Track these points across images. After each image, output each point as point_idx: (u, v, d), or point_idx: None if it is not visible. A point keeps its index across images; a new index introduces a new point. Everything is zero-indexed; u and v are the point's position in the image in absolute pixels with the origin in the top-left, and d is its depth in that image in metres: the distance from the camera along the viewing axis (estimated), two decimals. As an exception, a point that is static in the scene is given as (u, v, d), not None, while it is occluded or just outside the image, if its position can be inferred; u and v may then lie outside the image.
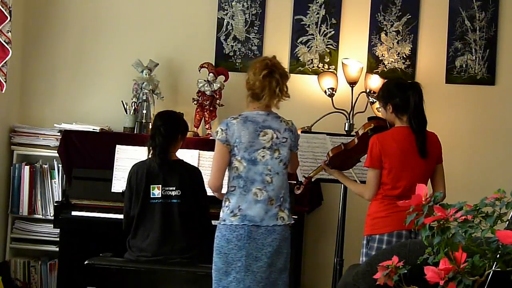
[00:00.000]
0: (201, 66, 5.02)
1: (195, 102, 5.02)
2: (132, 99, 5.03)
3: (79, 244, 4.60)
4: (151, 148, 4.15)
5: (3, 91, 4.75)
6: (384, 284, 2.08)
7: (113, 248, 4.31)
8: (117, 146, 4.70)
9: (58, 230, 4.77)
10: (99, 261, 4.13)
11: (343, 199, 4.53)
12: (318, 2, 5.22)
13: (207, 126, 5.01)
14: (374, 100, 4.77)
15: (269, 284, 3.49)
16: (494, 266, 1.93)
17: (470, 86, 5.16)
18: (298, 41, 5.23)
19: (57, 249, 4.80)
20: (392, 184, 3.71)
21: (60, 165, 4.98)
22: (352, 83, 4.94)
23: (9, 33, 4.69)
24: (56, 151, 4.91)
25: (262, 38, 5.25)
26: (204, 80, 4.99)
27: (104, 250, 4.30)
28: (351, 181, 3.99)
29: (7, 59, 4.69)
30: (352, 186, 3.96)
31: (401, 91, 3.77)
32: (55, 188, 5.02)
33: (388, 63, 5.19)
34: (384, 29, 5.20)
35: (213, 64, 5.11)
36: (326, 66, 5.20)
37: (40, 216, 5.04)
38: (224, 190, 3.61)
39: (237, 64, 5.23)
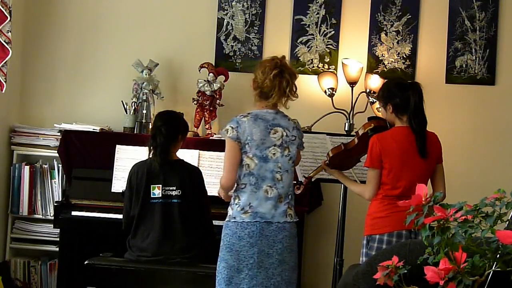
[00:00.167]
0: (201, 66, 5.02)
1: (195, 102, 5.02)
2: (132, 99, 5.03)
3: (79, 244, 4.60)
4: (152, 148, 4.15)
5: (3, 91, 4.75)
6: (384, 284, 2.08)
7: (113, 248, 4.31)
8: (117, 146, 4.70)
9: (58, 230, 4.77)
10: (99, 261, 4.13)
11: (343, 199, 4.54)
12: (318, 2, 5.22)
13: (207, 126, 5.01)
14: (374, 100, 4.77)
15: (284, 283, 3.51)
16: (494, 266, 1.93)
17: (470, 86, 5.16)
18: (298, 41, 5.23)
19: (57, 249, 4.80)
20: (392, 184, 3.71)
21: (60, 165, 4.98)
22: (352, 83, 4.94)
23: (9, 33, 4.69)
24: (56, 151, 4.92)
25: (262, 38, 5.25)
26: (204, 80, 4.99)
27: (104, 250, 4.30)
28: (351, 181, 3.99)
29: (7, 59, 4.69)
30: (352, 186, 3.96)
31: (401, 91, 3.78)
32: (55, 188, 5.02)
33: (388, 63, 5.19)
34: (384, 29, 5.20)
35: (213, 64, 5.11)
36: (326, 66, 5.20)
37: (40, 216, 5.04)
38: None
39: (237, 64, 5.24)
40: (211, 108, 5.01)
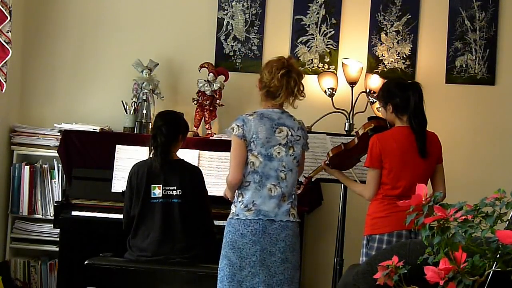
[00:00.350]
0: (201, 66, 5.02)
1: (195, 102, 5.02)
2: (132, 99, 5.03)
3: (79, 244, 4.60)
4: (152, 147, 4.15)
5: (3, 91, 4.75)
6: (384, 284, 2.08)
7: (113, 248, 4.31)
8: (117, 146, 4.70)
9: (58, 230, 4.77)
10: (99, 261, 4.13)
11: (343, 199, 4.54)
12: (318, 2, 5.22)
13: (207, 126, 5.01)
14: (374, 100, 4.77)
15: (286, 281, 3.51)
16: (494, 266, 1.93)
17: (470, 86, 5.16)
18: (298, 41, 5.23)
19: (57, 249, 4.79)
20: (392, 184, 3.71)
21: (60, 165, 4.98)
22: (352, 83, 4.94)
23: (9, 33, 4.69)
24: (56, 151, 4.91)
25: (262, 38, 5.25)
26: (204, 80, 4.99)
27: (104, 250, 4.30)
28: (351, 181, 3.99)
29: (7, 59, 4.69)
30: (352, 186, 3.96)
31: (401, 91, 3.78)
32: (55, 188, 5.02)
33: (388, 63, 5.19)
34: (384, 29, 5.20)
35: (213, 64, 5.11)
36: (326, 66, 5.20)
37: (40, 216, 5.04)
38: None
39: (237, 64, 5.23)
40: (211, 108, 5.01)
